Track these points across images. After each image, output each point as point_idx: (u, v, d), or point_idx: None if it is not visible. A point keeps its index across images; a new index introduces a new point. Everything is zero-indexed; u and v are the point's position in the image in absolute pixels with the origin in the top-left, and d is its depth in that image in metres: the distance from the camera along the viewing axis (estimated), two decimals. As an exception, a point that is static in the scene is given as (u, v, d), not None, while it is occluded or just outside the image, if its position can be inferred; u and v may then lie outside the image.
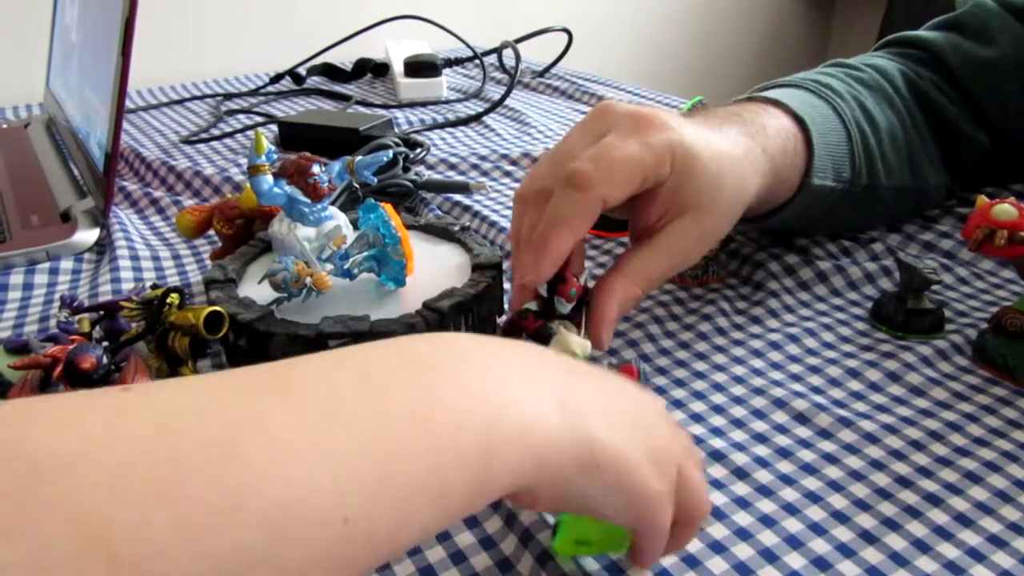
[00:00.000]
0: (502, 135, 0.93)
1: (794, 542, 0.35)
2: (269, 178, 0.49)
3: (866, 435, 0.41)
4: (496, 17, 1.56)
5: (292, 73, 1.18)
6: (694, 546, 0.35)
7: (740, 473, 0.39)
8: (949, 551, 0.34)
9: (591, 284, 0.43)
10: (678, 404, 0.45)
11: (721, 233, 0.45)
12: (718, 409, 0.44)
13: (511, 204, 0.63)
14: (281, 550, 0.18)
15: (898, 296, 0.50)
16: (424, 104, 1.06)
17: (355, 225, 0.52)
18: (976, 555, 0.34)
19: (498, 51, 1.19)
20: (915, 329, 0.49)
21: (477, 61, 1.17)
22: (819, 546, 0.35)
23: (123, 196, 0.78)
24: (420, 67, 1.08)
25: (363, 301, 0.46)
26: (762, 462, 0.40)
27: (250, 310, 0.44)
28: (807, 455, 0.40)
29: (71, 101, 0.88)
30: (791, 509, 0.37)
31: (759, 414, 0.44)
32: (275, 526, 0.18)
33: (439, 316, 0.43)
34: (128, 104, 1.08)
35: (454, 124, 0.97)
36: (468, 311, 0.44)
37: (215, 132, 0.96)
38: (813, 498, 0.38)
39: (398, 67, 1.12)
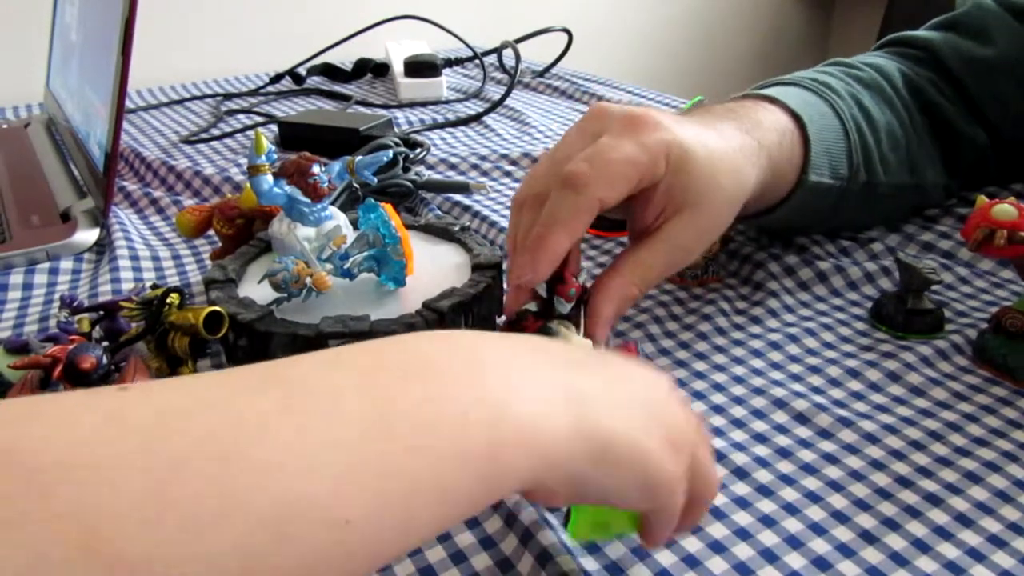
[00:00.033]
0: (502, 135, 0.93)
1: (794, 542, 0.35)
2: (269, 178, 0.49)
3: (866, 435, 0.41)
4: (496, 17, 1.56)
5: (292, 73, 1.18)
6: (694, 546, 0.35)
7: (740, 473, 0.39)
8: (949, 551, 0.34)
9: (589, 284, 0.43)
10: (678, 404, 0.45)
11: (719, 230, 0.45)
12: (718, 409, 0.44)
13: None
14: (281, 550, 0.18)
15: (898, 296, 0.50)
16: (424, 104, 1.06)
17: (355, 225, 0.52)
18: (976, 555, 0.34)
19: (498, 51, 1.19)
20: (915, 329, 0.49)
21: (477, 61, 1.17)
22: (819, 546, 0.35)
23: (123, 196, 0.78)
24: (420, 67, 1.08)
25: (363, 301, 0.46)
26: (762, 462, 0.40)
27: (250, 310, 0.44)
28: (807, 455, 0.40)
29: (71, 101, 0.88)
30: (791, 509, 0.37)
31: (759, 414, 0.44)
32: (275, 526, 0.18)
33: (439, 316, 0.43)
34: (128, 104, 1.08)
35: (454, 124, 0.97)
36: (468, 311, 0.44)
37: (215, 132, 0.96)
38: (813, 498, 0.38)
39: (398, 67, 1.12)
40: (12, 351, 0.46)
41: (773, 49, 2.07)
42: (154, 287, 0.48)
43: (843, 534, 0.35)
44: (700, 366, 0.48)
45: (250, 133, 0.95)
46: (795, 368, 0.47)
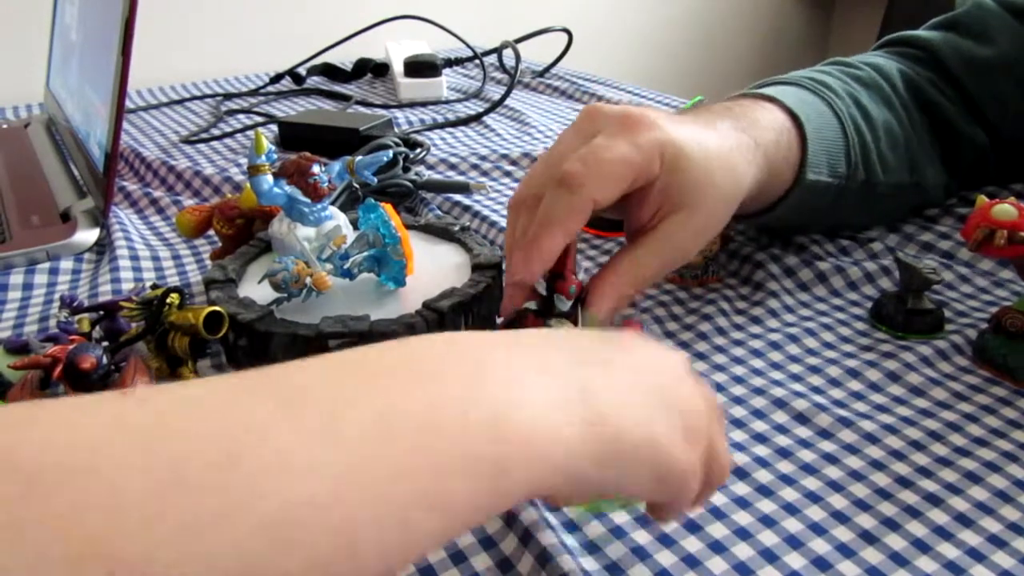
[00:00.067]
0: (502, 135, 0.93)
1: (794, 542, 0.35)
2: (269, 178, 0.49)
3: (866, 435, 0.41)
4: (496, 17, 1.56)
5: (292, 73, 1.18)
6: (694, 546, 0.35)
7: (740, 473, 0.39)
8: (949, 551, 0.34)
9: (585, 282, 0.43)
10: (678, 404, 0.45)
11: (716, 229, 0.45)
12: (718, 409, 0.44)
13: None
14: (282, 552, 0.18)
15: (898, 296, 0.50)
16: (424, 104, 1.06)
17: (355, 225, 0.52)
18: (976, 555, 0.34)
19: (498, 51, 1.19)
20: (915, 329, 0.49)
21: (477, 61, 1.17)
22: (819, 546, 0.35)
23: (123, 196, 0.78)
24: (420, 67, 1.08)
25: (363, 301, 0.46)
26: (762, 462, 0.40)
27: (250, 310, 0.44)
28: (807, 455, 0.40)
29: (71, 101, 0.88)
30: (791, 509, 0.37)
31: (759, 414, 0.44)
32: (275, 528, 0.18)
33: (439, 316, 0.43)
34: (128, 104, 1.08)
35: (454, 124, 0.97)
36: (468, 311, 0.44)
37: (215, 132, 0.96)
38: (813, 498, 0.38)
39: (398, 67, 1.12)
40: (12, 351, 0.46)
41: (773, 49, 2.07)
42: (154, 287, 0.48)
43: (843, 534, 0.35)
44: (700, 366, 0.48)
45: (250, 133, 0.95)
46: (795, 368, 0.47)
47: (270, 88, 1.15)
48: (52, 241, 0.66)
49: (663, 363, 0.29)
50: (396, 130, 0.93)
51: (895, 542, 0.35)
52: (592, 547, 0.35)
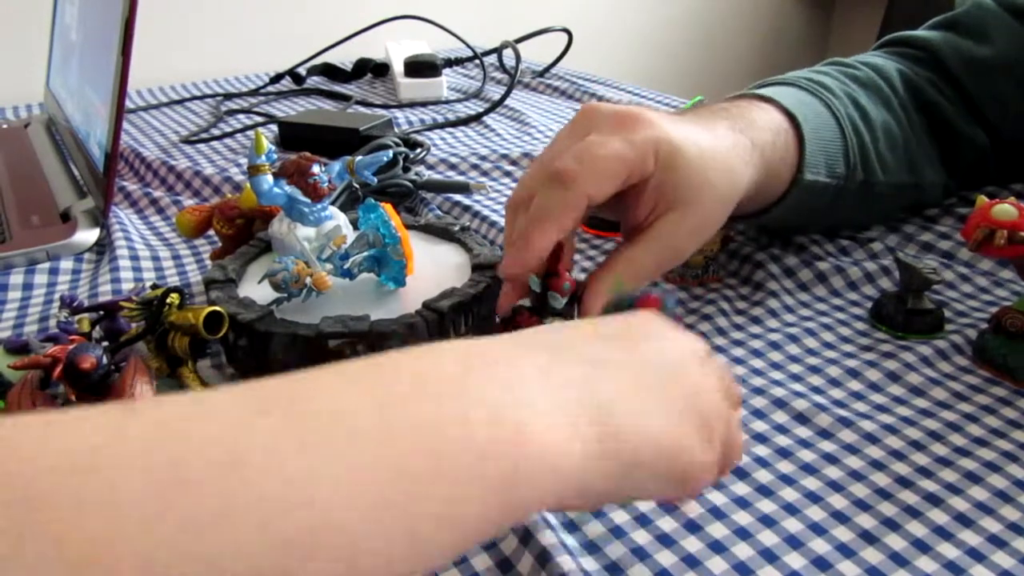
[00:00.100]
0: (502, 135, 0.93)
1: (794, 542, 0.35)
2: (269, 178, 0.49)
3: (866, 435, 0.41)
4: (496, 17, 1.56)
5: (292, 73, 1.18)
6: (694, 546, 0.35)
7: (740, 473, 0.39)
8: (949, 551, 0.34)
9: (581, 277, 0.43)
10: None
11: (712, 229, 0.45)
12: (718, 409, 0.44)
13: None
14: (283, 558, 0.18)
15: (898, 296, 0.50)
16: (424, 104, 1.06)
17: (355, 225, 0.52)
18: (976, 555, 0.34)
19: (498, 51, 1.19)
20: (915, 329, 0.49)
21: (477, 61, 1.17)
22: (819, 546, 0.35)
23: (123, 196, 0.78)
24: (420, 67, 1.08)
25: (363, 301, 0.46)
26: (762, 462, 0.40)
27: (250, 310, 0.44)
28: (807, 455, 0.40)
29: (71, 101, 0.88)
30: (791, 509, 0.37)
31: (759, 414, 0.44)
32: (276, 534, 0.18)
33: (439, 316, 0.43)
34: (128, 104, 1.08)
35: (454, 124, 0.97)
36: (468, 311, 0.44)
37: (215, 132, 0.96)
38: (813, 498, 0.38)
39: (398, 67, 1.12)
40: (12, 351, 0.46)
41: (773, 49, 2.07)
42: (154, 287, 0.48)
43: (843, 534, 0.35)
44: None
45: (250, 133, 0.95)
46: (795, 368, 0.47)
47: (270, 88, 1.15)
48: (52, 241, 0.66)
49: (680, 355, 0.28)
50: (396, 130, 0.93)
51: (895, 542, 0.35)
52: (592, 547, 0.35)
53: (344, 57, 1.21)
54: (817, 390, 0.45)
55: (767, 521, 0.36)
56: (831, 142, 0.53)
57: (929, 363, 0.47)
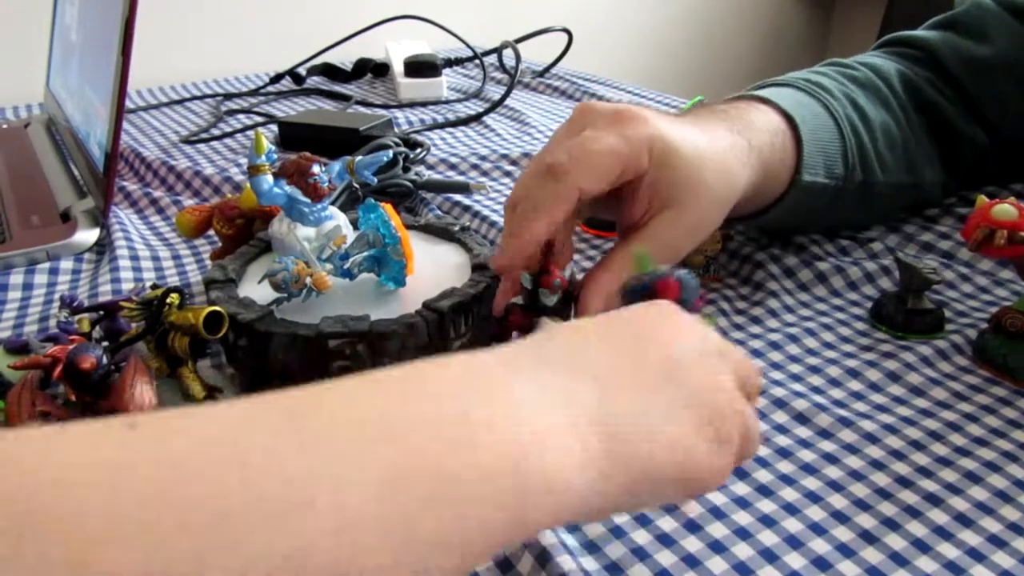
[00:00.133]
0: (502, 135, 0.93)
1: (794, 542, 0.35)
2: (269, 178, 0.49)
3: (866, 435, 0.41)
4: (496, 17, 1.56)
5: (292, 73, 1.18)
6: (694, 546, 0.35)
7: (740, 473, 0.39)
8: (949, 551, 0.34)
9: (579, 277, 0.43)
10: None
11: (708, 229, 0.45)
12: (718, 409, 0.44)
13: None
14: (284, 560, 0.18)
15: (898, 296, 0.50)
16: (424, 104, 1.06)
17: (355, 225, 0.52)
18: (976, 555, 0.34)
19: (498, 51, 1.19)
20: (915, 329, 0.49)
21: (477, 61, 1.17)
22: (819, 546, 0.35)
23: (123, 196, 0.78)
24: (420, 67, 1.08)
25: (363, 301, 0.46)
26: (762, 462, 0.40)
27: (250, 310, 0.44)
28: (807, 455, 0.40)
29: (71, 101, 0.88)
30: (791, 509, 0.37)
31: (759, 414, 0.43)
32: (277, 536, 0.18)
33: (439, 316, 0.43)
34: (128, 104, 1.08)
35: (454, 124, 0.97)
36: (468, 311, 0.44)
37: (215, 132, 0.96)
38: (813, 498, 0.38)
39: (398, 67, 1.12)
40: (12, 351, 0.46)
41: (773, 49, 2.07)
42: (154, 287, 0.48)
43: (843, 534, 0.35)
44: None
45: (250, 133, 0.95)
46: (795, 368, 0.47)
47: (270, 88, 1.15)
48: (52, 241, 0.66)
49: (685, 352, 0.27)
50: (396, 130, 0.93)
51: (895, 542, 0.35)
52: (592, 547, 0.35)
53: (344, 57, 1.21)
54: (817, 390, 0.45)
55: (767, 521, 0.36)
56: (829, 143, 0.53)
57: (929, 363, 0.47)
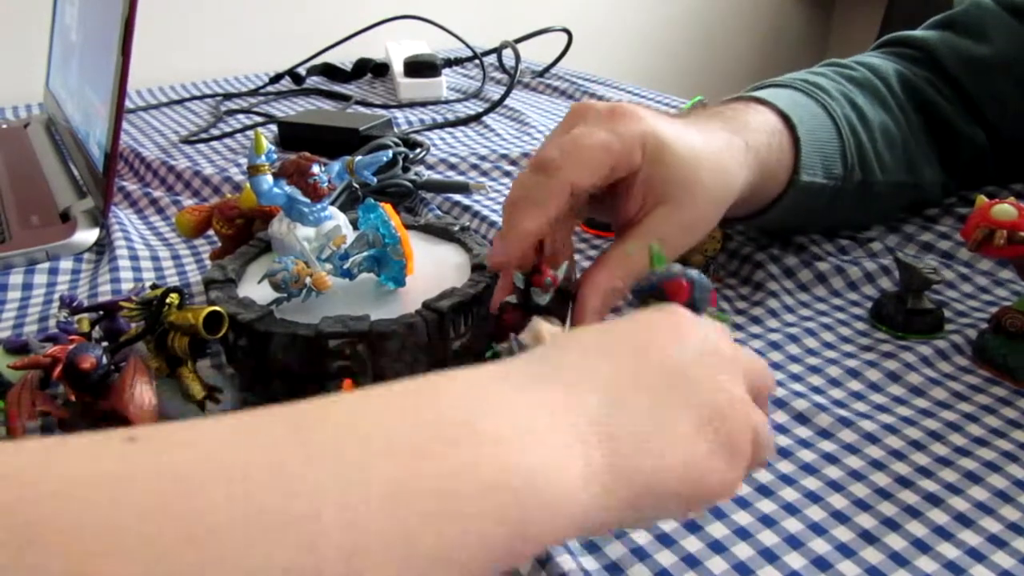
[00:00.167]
0: (502, 135, 0.93)
1: (794, 542, 0.35)
2: (269, 178, 0.49)
3: (866, 435, 0.41)
4: (496, 17, 1.56)
5: (292, 73, 1.18)
6: (694, 546, 0.35)
7: (740, 473, 0.39)
8: (949, 551, 0.34)
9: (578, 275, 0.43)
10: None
11: (705, 227, 0.45)
12: (718, 409, 0.44)
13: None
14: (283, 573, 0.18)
15: (898, 296, 0.50)
16: (424, 104, 1.06)
17: (355, 225, 0.52)
18: (976, 555, 0.34)
19: (498, 51, 1.19)
20: (915, 329, 0.49)
21: (477, 61, 1.17)
22: (819, 546, 0.35)
23: (123, 196, 0.78)
24: (420, 67, 1.08)
25: (363, 301, 0.46)
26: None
27: (250, 310, 0.44)
28: (807, 455, 0.40)
29: (71, 101, 0.88)
30: (791, 509, 0.37)
31: (759, 414, 0.43)
32: (279, 548, 0.18)
33: (439, 316, 0.43)
34: (128, 104, 1.08)
35: (454, 124, 0.97)
36: (468, 311, 0.44)
37: (215, 132, 0.96)
38: (813, 498, 0.38)
39: (398, 67, 1.12)
40: (12, 351, 0.46)
41: (773, 49, 2.07)
42: (154, 287, 0.48)
43: (843, 534, 0.35)
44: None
45: (250, 133, 0.95)
46: (795, 368, 0.47)
47: (270, 88, 1.15)
48: (52, 241, 0.66)
49: (692, 361, 0.27)
50: (396, 130, 0.93)
51: (895, 542, 0.35)
52: (592, 547, 0.35)
53: (344, 57, 1.21)
54: (817, 390, 0.45)
55: (767, 521, 0.36)
56: (827, 142, 0.53)
57: (929, 363, 0.47)
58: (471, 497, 0.21)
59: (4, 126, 1.02)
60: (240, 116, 1.04)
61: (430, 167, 0.82)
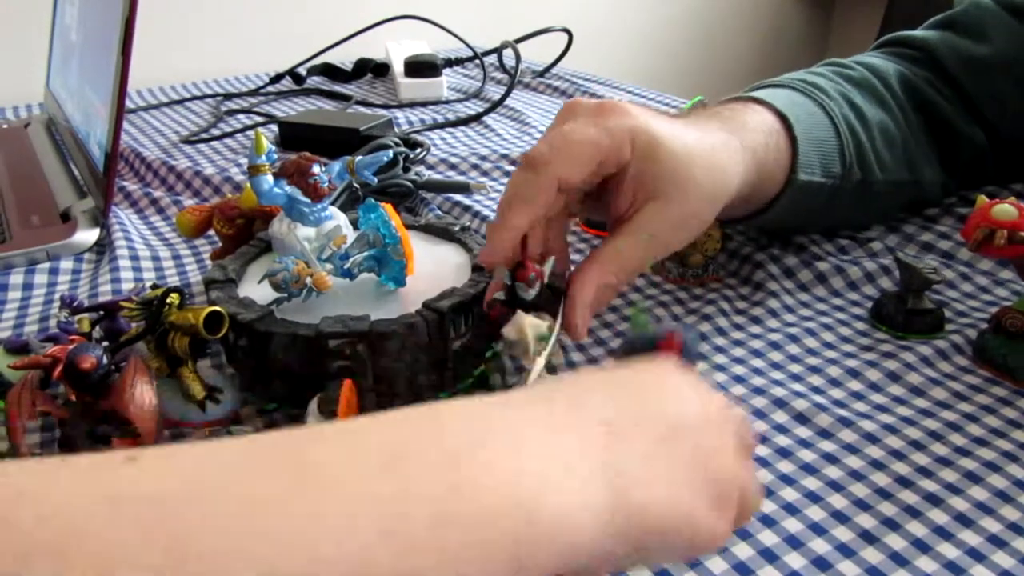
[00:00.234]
0: (502, 135, 0.93)
1: (794, 542, 0.35)
2: (269, 178, 0.49)
3: (866, 435, 0.41)
4: (496, 17, 1.56)
5: (292, 73, 1.18)
6: (694, 546, 0.35)
7: (740, 473, 0.39)
8: (949, 551, 0.34)
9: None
10: (678, 404, 0.45)
11: (698, 224, 0.45)
12: (718, 409, 0.44)
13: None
14: None
15: (898, 296, 0.50)
16: (424, 104, 1.06)
17: (355, 225, 0.52)
18: (976, 555, 0.34)
19: (498, 51, 1.19)
20: (915, 329, 0.49)
21: (477, 61, 1.17)
22: (819, 546, 0.35)
23: (123, 196, 0.78)
24: (420, 67, 1.08)
25: (363, 301, 0.46)
26: (762, 462, 0.40)
27: (250, 310, 0.44)
28: (807, 455, 0.40)
29: (71, 101, 0.88)
30: (791, 509, 0.37)
31: (759, 414, 0.44)
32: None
33: (439, 316, 0.43)
34: (128, 104, 1.08)
35: (454, 124, 0.97)
36: (468, 311, 0.44)
37: (215, 132, 0.96)
38: (813, 498, 0.38)
39: (398, 67, 1.12)
40: (12, 351, 0.46)
41: (773, 49, 2.07)
42: (154, 287, 0.48)
43: (843, 534, 0.35)
44: (700, 367, 0.48)
45: (250, 133, 0.95)
46: (795, 368, 0.47)
47: (270, 88, 1.15)
48: (52, 241, 0.66)
49: (691, 415, 0.27)
50: (396, 130, 0.93)
51: (895, 542, 0.35)
52: (592, 547, 0.35)
53: (344, 57, 1.21)
54: (817, 390, 0.45)
55: (767, 521, 0.36)
56: (825, 142, 0.53)
57: (929, 363, 0.47)
58: (471, 526, 0.21)
59: (4, 126, 1.02)
60: (240, 116, 1.04)
61: (430, 167, 0.82)
